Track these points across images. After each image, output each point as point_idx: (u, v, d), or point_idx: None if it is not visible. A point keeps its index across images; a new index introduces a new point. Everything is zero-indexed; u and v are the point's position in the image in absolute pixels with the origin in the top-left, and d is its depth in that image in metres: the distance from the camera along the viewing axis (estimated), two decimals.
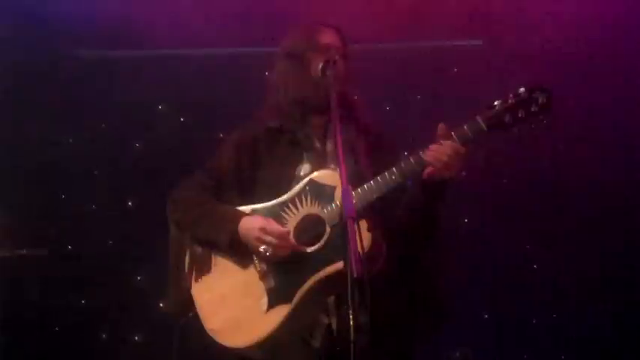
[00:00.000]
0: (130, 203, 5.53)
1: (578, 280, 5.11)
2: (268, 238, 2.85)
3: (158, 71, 5.39)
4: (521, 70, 4.74)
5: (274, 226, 2.88)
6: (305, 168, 3.04)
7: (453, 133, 2.79)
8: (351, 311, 2.26)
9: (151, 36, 5.22)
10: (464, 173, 2.94)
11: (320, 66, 2.95)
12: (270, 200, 2.99)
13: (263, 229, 2.86)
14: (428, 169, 2.82)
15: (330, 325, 2.88)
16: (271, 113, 3.17)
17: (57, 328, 5.41)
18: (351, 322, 2.26)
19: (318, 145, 3.11)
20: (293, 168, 3.05)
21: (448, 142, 2.78)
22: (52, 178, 5.43)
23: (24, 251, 4.75)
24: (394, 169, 2.83)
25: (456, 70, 5.26)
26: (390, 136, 3.25)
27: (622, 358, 5.13)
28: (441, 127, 2.82)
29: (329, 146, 3.07)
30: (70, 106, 5.41)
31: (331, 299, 2.86)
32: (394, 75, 5.11)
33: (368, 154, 3.07)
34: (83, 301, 5.45)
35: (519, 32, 5.06)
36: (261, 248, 2.86)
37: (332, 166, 2.98)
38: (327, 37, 3.12)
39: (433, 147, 2.79)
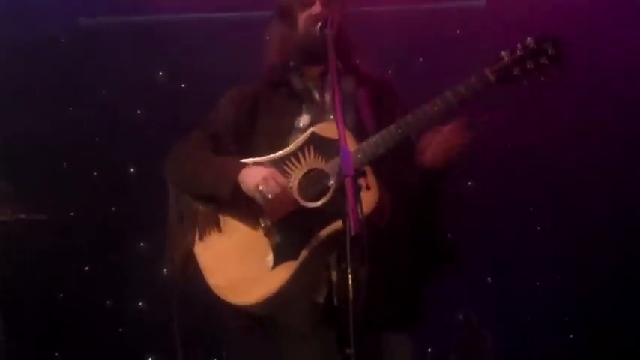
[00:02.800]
0: (131, 170, 5.54)
1: (581, 242, 5.12)
2: (270, 186, 2.79)
3: (158, 38, 5.39)
4: (526, 30, 4.65)
5: (278, 176, 2.84)
6: (304, 119, 3.03)
7: (460, 85, 2.76)
8: (349, 269, 2.27)
9: (150, 2, 5.28)
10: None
11: (318, 25, 2.92)
12: (268, 152, 2.96)
13: (265, 179, 2.81)
14: (424, 155, 2.86)
15: (332, 280, 2.86)
16: (268, 69, 3.17)
17: (61, 295, 5.45)
18: (350, 280, 2.27)
19: (316, 96, 3.09)
20: (292, 119, 3.03)
21: (447, 127, 2.80)
22: (54, 146, 5.43)
23: (23, 216, 4.70)
24: (400, 121, 2.81)
25: (458, 31, 5.26)
26: (391, 83, 3.21)
27: (626, 320, 5.15)
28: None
29: (328, 97, 3.05)
30: (69, 74, 5.39)
31: (334, 255, 2.83)
32: (395, 38, 5.10)
33: (369, 104, 3.05)
34: (86, 268, 5.47)
35: None
36: (261, 196, 2.80)
37: (332, 117, 2.93)
38: None
39: (429, 134, 2.82)
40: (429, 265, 3.05)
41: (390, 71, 5.14)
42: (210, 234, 2.97)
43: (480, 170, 5.19)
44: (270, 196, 2.77)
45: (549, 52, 2.73)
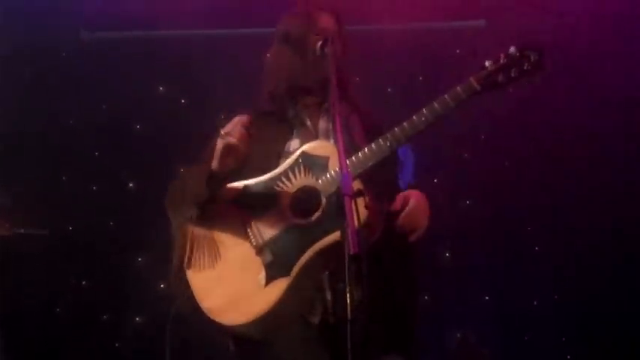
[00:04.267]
0: (130, 185, 5.55)
1: (579, 261, 5.14)
2: (228, 127, 2.83)
3: (159, 53, 5.40)
4: None
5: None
6: (294, 143, 3.06)
7: (446, 95, 2.81)
8: (347, 288, 2.26)
9: (151, 17, 5.23)
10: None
11: (319, 44, 2.96)
12: (259, 175, 2.97)
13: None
14: (395, 219, 2.86)
15: (327, 300, 2.85)
16: (265, 98, 3.20)
17: (58, 309, 5.43)
18: (348, 300, 2.26)
19: (308, 122, 3.12)
20: (282, 144, 3.07)
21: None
22: (54, 159, 5.43)
23: (22, 230, 4.69)
24: (387, 134, 2.84)
25: (458, 51, 5.25)
26: (378, 116, 3.23)
27: (624, 339, 5.15)
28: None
29: (321, 124, 3.09)
30: (71, 88, 5.40)
31: (326, 274, 2.84)
32: (396, 57, 5.11)
33: (361, 129, 3.10)
34: (84, 282, 5.46)
35: (523, 12, 5.06)
36: (223, 141, 2.82)
37: (327, 141, 2.99)
38: (324, 21, 3.15)
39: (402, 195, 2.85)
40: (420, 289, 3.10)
41: (389, 90, 5.28)
42: (202, 257, 2.97)
43: (477, 189, 5.25)
44: (229, 141, 2.80)
45: (532, 58, 2.79)
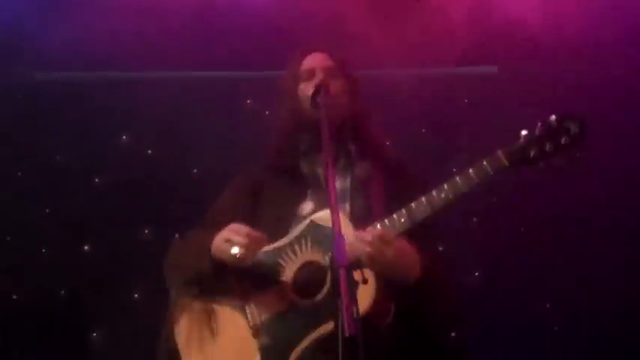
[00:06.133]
0: (86, 247, 5.16)
1: (580, 289, 4.83)
2: (237, 238, 2.77)
3: (121, 97, 5.07)
4: (540, 100, 4.63)
5: (243, 227, 2.82)
6: (307, 206, 2.97)
7: (470, 170, 2.69)
8: None
9: (113, 57, 5.00)
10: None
11: (310, 94, 2.92)
12: (269, 241, 2.90)
13: (231, 229, 2.80)
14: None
15: None
16: (272, 152, 3.16)
17: None
18: None
19: (323, 183, 3.00)
20: (294, 207, 2.98)
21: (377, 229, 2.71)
22: None
23: None
24: (403, 211, 2.74)
25: (466, 100, 5.10)
26: (415, 170, 3.17)
27: None
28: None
29: (338, 184, 2.95)
30: (20, 135, 5.09)
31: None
32: (397, 105, 4.84)
33: (385, 189, 2.98)
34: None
35: (538, 58, 4.96)
36: (232, 251, 2.78)
37: (339, 204, 2.79)
38: (310, 61, 3.10)
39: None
40: None
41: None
42: (196, 333, 2.92)
43: (490, 258, 5.00)
44: (238, 255, 2.77)
45: (572, 130, 2.62)
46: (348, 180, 2.96)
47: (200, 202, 3.35)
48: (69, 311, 4.99)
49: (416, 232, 2.80)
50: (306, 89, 2.97)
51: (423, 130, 5.05)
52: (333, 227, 2.29)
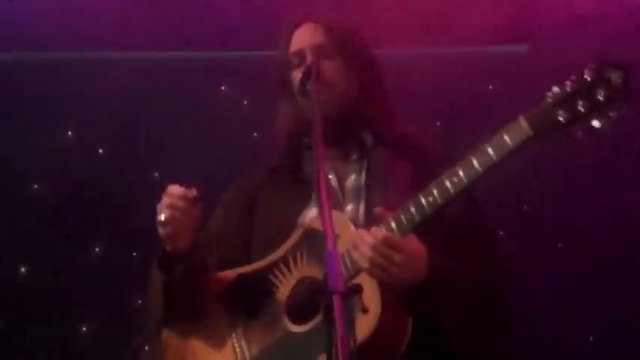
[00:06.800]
0: (22, 269, 4.74)
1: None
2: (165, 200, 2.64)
3: (65, 82, 4.61)
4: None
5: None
6: (311, 213, 2.80)
7: (487, 145, 2.40)
8: None
9: (52, 33, 4.55)
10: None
11: (298, 82, 2.74)
12: (264, 255, 2.81)
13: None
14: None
15: None
16: (270, 154, 3.06)
17: None
18: None
19: (332, 182, 2.85)
20: (296, 214, 2.84)
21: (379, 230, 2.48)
22: None
23: None
24: (410, 203, 2.51)
25: (490, 87, 4.75)
26: (448, 153, 2.78)
27: None
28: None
29: (349, 182, 2.83)
30: None
31: None
32: (418, 87, 4.46)
33: (411, 181, 2.73)
34: None
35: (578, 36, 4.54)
36: (157, 219, 2.64)
37: (349, 207, 2.75)
38: (298, 39, 2.87)
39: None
40: None
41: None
42: None
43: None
44: (163, 217, 2.60)
45: (613, 80, 2.22)
46: (363, 175, 2.74)
47: None
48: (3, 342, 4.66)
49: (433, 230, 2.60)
50: (298, 77, 2.80)
51: (438, 124, 4.67)
52: (327, 241, 2.08)
